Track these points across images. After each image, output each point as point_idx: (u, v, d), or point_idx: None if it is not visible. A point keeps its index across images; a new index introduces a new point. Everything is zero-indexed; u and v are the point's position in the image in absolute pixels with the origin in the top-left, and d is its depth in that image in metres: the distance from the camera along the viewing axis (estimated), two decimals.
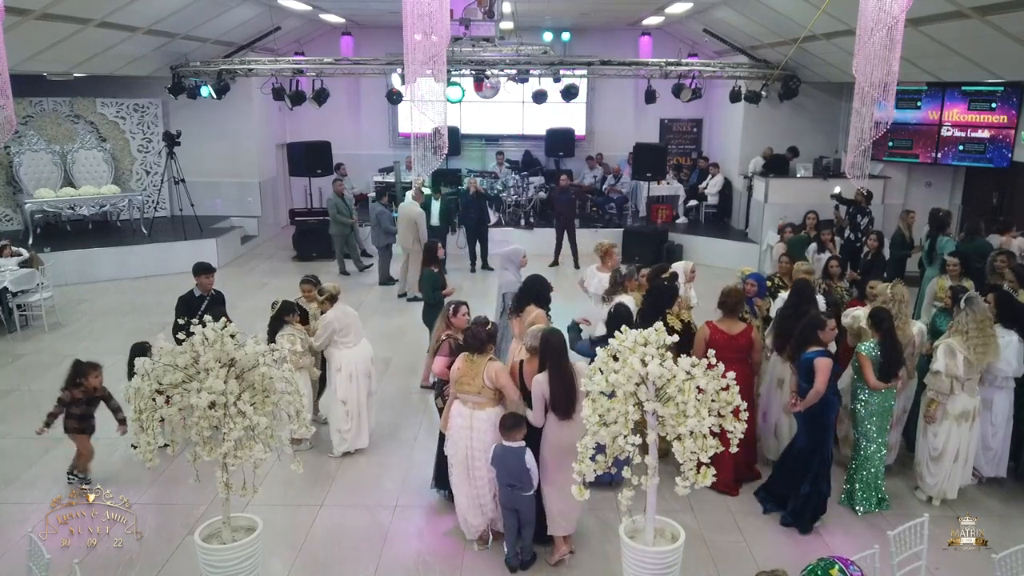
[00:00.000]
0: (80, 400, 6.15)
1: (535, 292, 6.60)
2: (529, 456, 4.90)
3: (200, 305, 6.99)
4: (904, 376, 6.07)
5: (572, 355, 5.66)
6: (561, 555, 5.25)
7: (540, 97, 13.53)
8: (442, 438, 5.85)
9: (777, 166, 13.94)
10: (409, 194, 11.92)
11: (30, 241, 12.12)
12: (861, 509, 5.91)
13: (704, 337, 5.95)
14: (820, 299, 7.04)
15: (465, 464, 5.24)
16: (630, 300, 6.80)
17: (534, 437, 5.07)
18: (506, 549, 5.22)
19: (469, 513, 5.37)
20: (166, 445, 4.59)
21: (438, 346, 5.81)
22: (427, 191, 12.93)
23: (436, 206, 12.84)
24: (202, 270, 7.30)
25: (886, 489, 6.00)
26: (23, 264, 10.07)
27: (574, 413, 4.84)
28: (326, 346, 6.61)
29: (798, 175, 13.65)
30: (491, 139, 17.12)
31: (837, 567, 3.45)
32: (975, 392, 5.80)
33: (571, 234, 13.17)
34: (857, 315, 6.42)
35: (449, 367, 5.55)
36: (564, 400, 4.90)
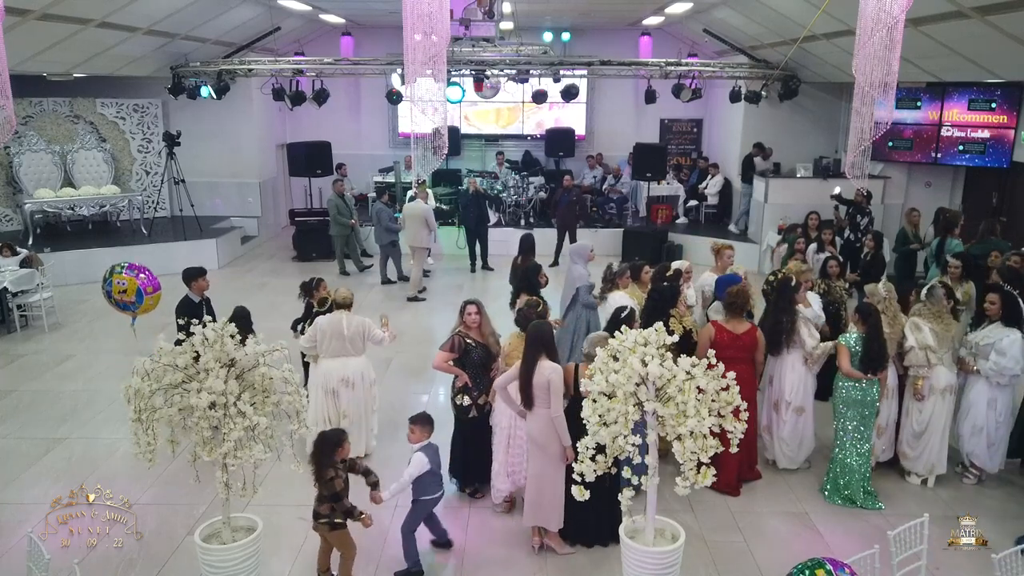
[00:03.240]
0: (342, 476, 4.68)
1: (524, 280, 6.87)
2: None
3: (202, 311, 6.87)
4: (888, 381, 6.17)
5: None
6: (536, 543, 5.36)
7: (540, 97, 13.52)
8: (466, 435, 5.94)
9: (746, 166, 14.06)
10: (409, 194, 11.94)
11: (30, 241, 12.12)
12: (830, 501, 6.06)
13: (709, 336, 5.96)
14: (817, 299, 7.05)
15: (508, 432, 5.63)
16: (625, 297, 6.82)
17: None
18: (406, 562, 5.08)
19: (499, 479, 5.72)
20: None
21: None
22: (429, 190, 12.95)
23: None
24: (197, 273, 7.13)
25: (863, 489, 6.00)
26: (23, 263, 10.07)
27: (532, 407, 5.02)
28: (312, 352, 6.48)
29: (798, 175, 13.65)
30: (491, 139, 17.13)
31: (825, 568, 3.44)
32: (953, 367, 6.08)
33: (572, 234, 13.15)
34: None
35: (447, 362, 5.79)
36: (523, 392, 5.04)
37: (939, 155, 12.15)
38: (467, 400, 5.83)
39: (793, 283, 6.53)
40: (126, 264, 7.10)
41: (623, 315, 5.83)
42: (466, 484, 6.12)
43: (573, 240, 13.16)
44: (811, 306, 6.73)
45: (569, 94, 13.22)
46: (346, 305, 6.46)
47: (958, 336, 6.19)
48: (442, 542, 5.43)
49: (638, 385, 4.23)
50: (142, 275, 6.91)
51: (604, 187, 15.65)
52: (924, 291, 6.24)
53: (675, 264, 7.34)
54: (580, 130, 16.81)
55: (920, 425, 6.12)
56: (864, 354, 5.83)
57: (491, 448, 5.85)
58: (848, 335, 5.98)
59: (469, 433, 5.92)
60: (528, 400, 5.05)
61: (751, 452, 6.26)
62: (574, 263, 7.82)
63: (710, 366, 4.28)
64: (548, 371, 4.97)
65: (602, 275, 7.34)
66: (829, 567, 3.47)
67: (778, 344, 6.32)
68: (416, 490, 5.03)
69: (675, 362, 4.26)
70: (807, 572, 3.49)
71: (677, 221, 15.03)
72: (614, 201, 15.16)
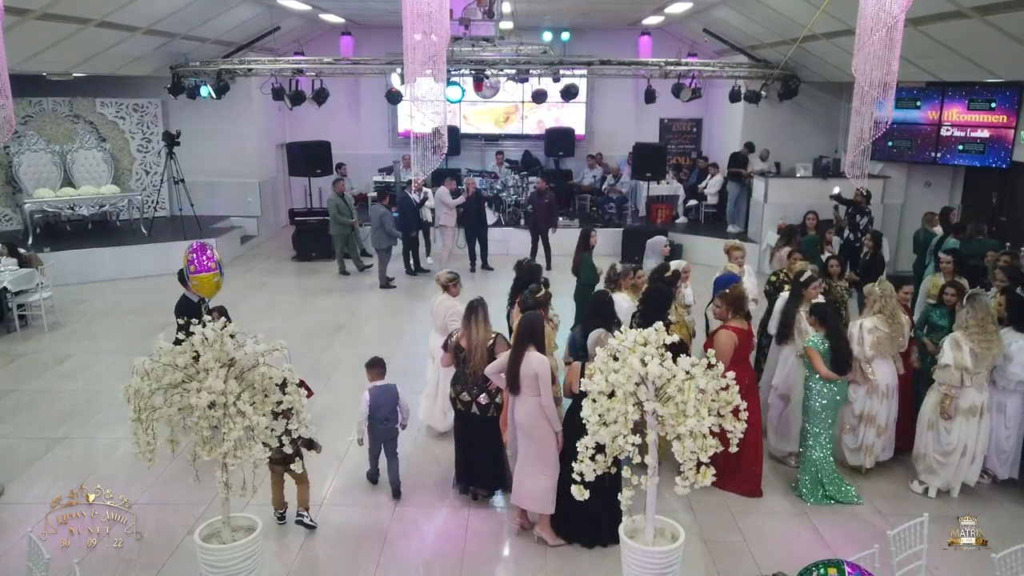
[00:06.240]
0: None
1: (527, 281, 6.91)
2: (402, 394, 6.04)
3: (201, 310, 6.87)
4: (888, 381, 6.18)
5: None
6: (516, 524, 5.55)
7: (540, 97, 13.52)
8: (461, 434, 5.99)
9: (735, 164, 14.11)
10: (413, 188, 12.00)
11: (30, 241, 12.11)
12: (811, 501, 6.05)
13: (733, 342, 5.91)
14: (819, 299, 7.07)
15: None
16: (626, 298, 6.84)
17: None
18: (368, 464, 6.22)
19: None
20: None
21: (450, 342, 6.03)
22: (427, 189, 12.98)
23: None
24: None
25: (838, 484, 6.08)
26: (21, 263, 10.07)
27: (517, 392, 5.24)
28: None
29: (798, 175, 13.65)
30: (491, 139, 17.12)
31: (840, 568, 3.42)
32: (983, 387, 5.87)
33: (544, 237, 13.04)
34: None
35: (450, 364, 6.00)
36: (509, 376, 5.28)
37: (939, 155, 12.14)
38: (466, 397, 5.82)
39: (805, 277, 6.63)
40: (197, 243, 6.96)
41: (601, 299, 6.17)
42: (461, 481, 6.07)
43: (546, 243, 13.04)
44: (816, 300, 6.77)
45: (569, 94, 13.21)
46: (439, 285, 7.05)
47: (999, 354, 5.87)
48: (392, 483, 6.09)
49: (638, 385, 4.23)
50: (190, 255, 6.76)
51: (604, 187, 15.64)
52: (965, 299, 6.00)
53: (674, 264, 7.34)
54: (580, 130, 16.80)
55: (950, 446, 5.94)
56: (833, 353, 5.86)
57: (487, 450, 5.88)
58: (815, 338, 5.97)
59: (463, 428, 5.94)
60: (514, 387, 5.24)
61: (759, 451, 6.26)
62: (647, 257, 8.36)
63: (710, 366, 4.29)
64: (536, 363, 5.15)
65: (605, 275, 7.36)
66: (846, 569, 3.46)
67: (785, 336, 6.49)
68: (370, 418, 5.93)
69: (675, 362, 4.26)
70: (821, 568, 3.49)
71: (677, 221, 15.02)
72: (614, 201, 15.16)
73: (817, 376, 5.89)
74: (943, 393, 5.89)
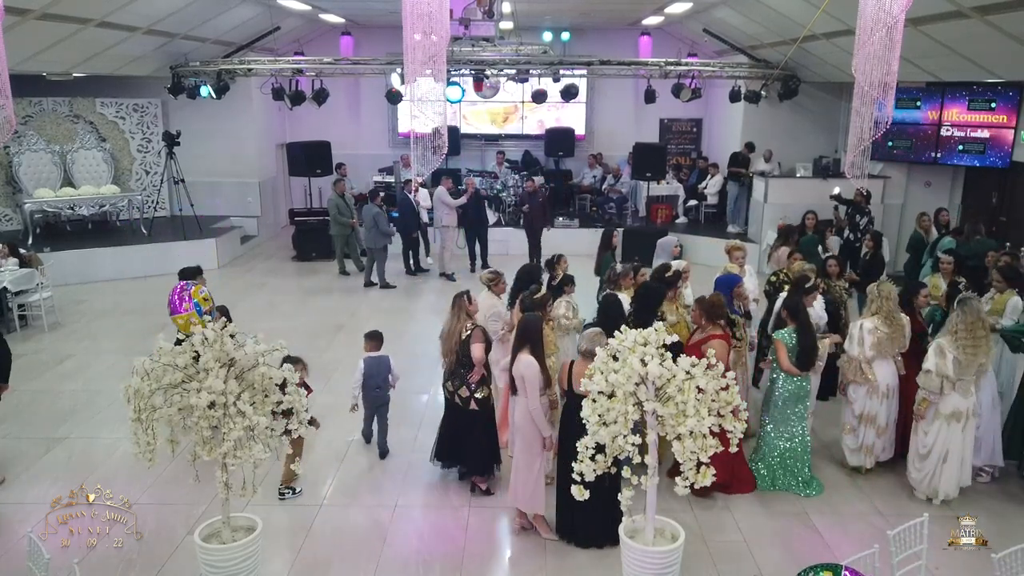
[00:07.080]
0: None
1: (527, 282, 6.94)
2: (393, 364, 6.61)
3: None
4: (888, 381, 6.19)
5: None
6: (516, 525, 5.61)
7: (540, 97, 13.52)
8: (445, 416, 6.20)
9: (736, 164, 14.11)
10: (412, 189, 12.05)
11: (30, 241, 12.11)
12: (767, 488, 6.16)
13: (727, 351, 5.94)
14: (820, 299, 7.07)
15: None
16: (626, 299, 6.85)
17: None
18: (362, 425, 6.81)
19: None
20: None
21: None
22: (425, 190, 12.99)
23: None
24: (195, 272, 7.16)
25: (797, 476, 6.17)
26: (21, 263, 10.07)
27: (515, 392, 5.38)
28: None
29: (798, 175, 13.65)
30: (491, 139, 17.12)
31: (835, 571, 3.43)
32: (969, 393, 5.79)
33: (536, 238, 13.00)
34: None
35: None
36: (509, 376, 5.43)
37: (939, 155, 12.15)
38: (450, 386, 6.01)
39: (810, 284, 6.64)
40: (181, 284, 7.03)
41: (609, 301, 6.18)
42: (445, 463, 6.30)
43: (537, 243, 13.01)
44: (812, 306, 6.74)
45: (569, 94, 13.21)
46: (482, 284, 7.10)
47: (990, 363, 5.85)
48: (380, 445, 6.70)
49: (638, 385, 4.23)
50: (171, 295, 6.95)
51: (604, 187, 15.64)
52: (956, 303, 5.94)
53: (674, 264, 7.34)
54: (580, 130, 16.80)
55: (924, 448, 5.91)
56: (800, 349, 5.93)
57: (470, 440, 6.00)
58: (784, 331, 6.05)
59: (448, 413, 6.16)
60: (513, 387, 5.37)
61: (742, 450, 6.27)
62: (658, 257, 8.34)
63: (710, 366, 4.29)
64: (523, 366, 5.24)
65: (606, 275, 7.37)
66: (844, 573, 3.47)
67: None
68: (363, 388, 6.52)
69: (675, 362, 4.26)
70: (820, 572, 3.51)
71: (677, 221, 15.02)
72: (614, 201, 15.15)
73: (780, 370, 6.00)
74: (922, 397, 5.89)
